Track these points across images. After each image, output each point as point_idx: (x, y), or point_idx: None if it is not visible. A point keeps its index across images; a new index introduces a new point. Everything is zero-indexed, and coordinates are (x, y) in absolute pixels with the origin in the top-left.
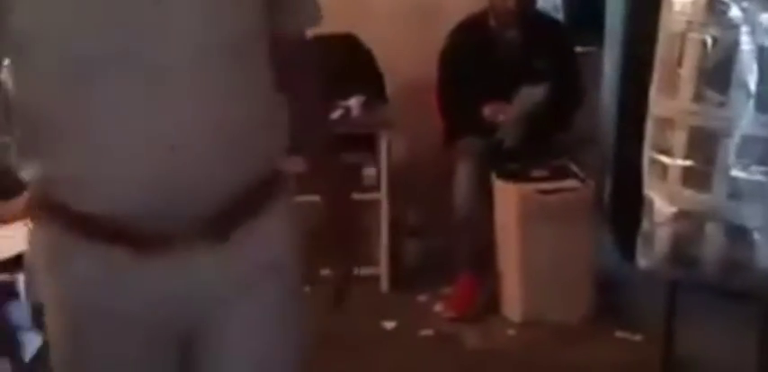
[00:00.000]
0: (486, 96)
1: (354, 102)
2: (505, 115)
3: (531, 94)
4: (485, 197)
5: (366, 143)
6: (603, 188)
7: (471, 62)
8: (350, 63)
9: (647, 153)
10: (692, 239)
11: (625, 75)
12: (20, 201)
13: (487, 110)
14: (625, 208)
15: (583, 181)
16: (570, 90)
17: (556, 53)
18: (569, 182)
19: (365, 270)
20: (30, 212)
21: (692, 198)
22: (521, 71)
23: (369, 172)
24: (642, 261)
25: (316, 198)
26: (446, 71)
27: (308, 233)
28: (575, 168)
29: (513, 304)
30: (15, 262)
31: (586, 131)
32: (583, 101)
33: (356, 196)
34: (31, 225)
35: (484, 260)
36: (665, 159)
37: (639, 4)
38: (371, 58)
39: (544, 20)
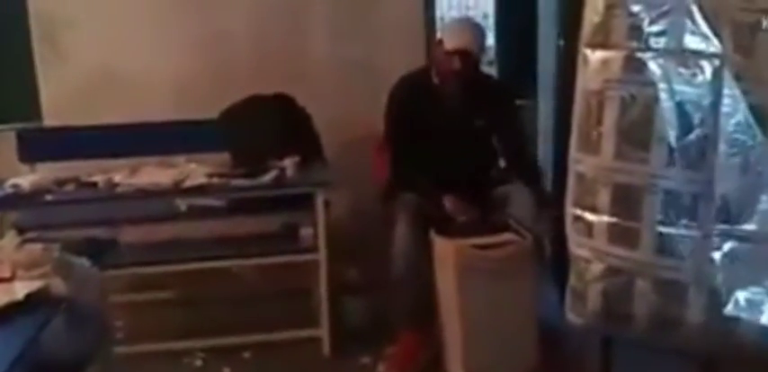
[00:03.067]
0: (429, 153)
1: (289, 162)
2: (466, 216)
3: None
4: (424, 253)
5: (303, 203)
6: (543, 241)
7: (414, 118)
8: (285, 123)
9: (570, 210)
10: (623, 296)
11: (560, 128)
12: None
13: (449, 205)
14: (566, 261)
15: (521, 235)
16: (513, 148)
17: (497, 110)
18: (507, 236)
19: (306, 333)
20: None
21: (620, 254)
22: (463, 128)
23: (306, 232)
24: (574, 318)
25: None
26: (390, 125)
27: None
28: (513, 222)
29: (456, 360)
30: None
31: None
32: (529, 158)
33: (294, 257)
34: None
35: (425, 317)
36: (589, 216)
37: (570, 59)
38: (307, 118)
39: (485, 77)
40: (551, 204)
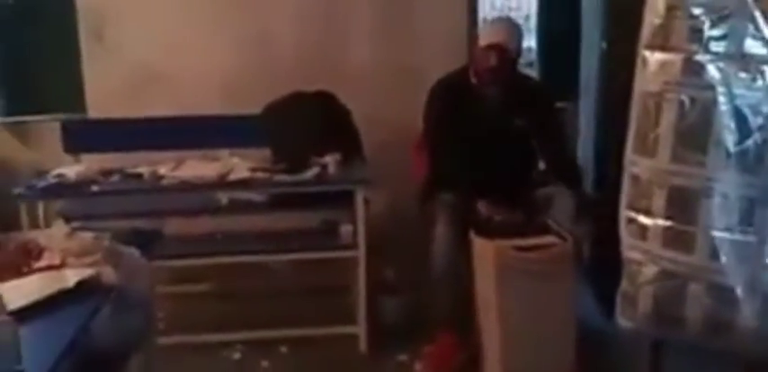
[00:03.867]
0: (468, 153)
1: (330, 160)
2: (500, 216)
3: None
4: (463, 254)
5: (343, 200)
6: (583, 244)
7: (453, 118)
8: (327, 120)
9: (624, 212)
10: (675, 299)
11: (602, 130)
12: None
13: (482, 208)
14: (605, 264)
15: (562, 237)
16: (553, 150)
17: (537, 111)
18: (548, 238)
19: (343, 329)
20: None
21: (674, 258)
22: (502, 128)
23: (346, 229)
24: (623, 321)
25: None
26: (429, 126)
27: None
28: (554, 224)
29: (494, 362)
30: None
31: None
32: (569, 160)
33: (333, 254)
34: None
35: (464, 317)
36: (644, 219)
37: (613, 60)
38: (348, 115)
39: (525, 78)
40: (592, 206)
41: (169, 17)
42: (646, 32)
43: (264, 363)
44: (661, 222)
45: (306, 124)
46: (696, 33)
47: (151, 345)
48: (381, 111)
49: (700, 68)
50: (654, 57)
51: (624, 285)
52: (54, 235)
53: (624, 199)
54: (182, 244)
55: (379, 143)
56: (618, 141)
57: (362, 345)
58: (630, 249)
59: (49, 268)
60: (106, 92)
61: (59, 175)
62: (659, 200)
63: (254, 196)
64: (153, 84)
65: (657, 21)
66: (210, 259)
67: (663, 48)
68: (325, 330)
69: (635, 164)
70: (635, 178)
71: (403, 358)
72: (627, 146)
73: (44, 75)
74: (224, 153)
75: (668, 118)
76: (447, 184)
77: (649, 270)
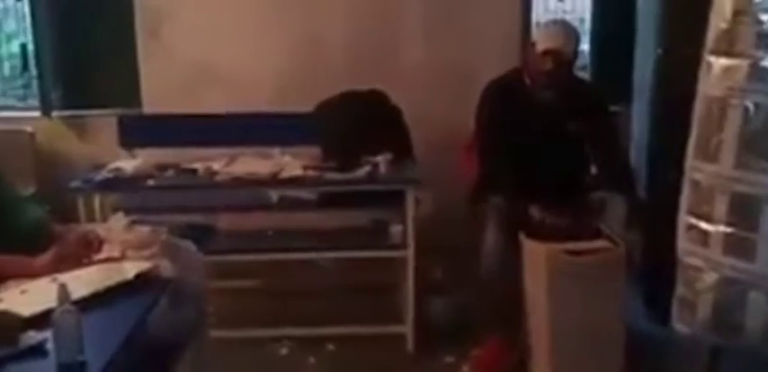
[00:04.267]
0: (520, 156)
1: (382, 159)
2: (553, 220)
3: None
4: (513, 256)
5: (392, 200)
6: (634, 248)
7: (506, 120)
8: (378, 119)
9: (684, 217)
10: (736, 307)
11: (655, 134)
12: (46, 257)
13: (535, 212)
14: (656, 270)
15: (613, 242)
16: (607, 155)
17: (591, 115)
18: (600, 243)
19: (390, 329)
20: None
21: (735, 265)
22: (555, 131)
23: (395, 229)
24: (681, 327)
25: None
26: (481, 128)
27: None
28: (605, 228)
29: (542, 366)
30: (42, 319)
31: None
32: (623, 165)
33: (382, 253)
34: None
35: (512, 320)
36: (704, 225)
37: (669, 64)
38: (399, 115)
39: (579, 81)
40: (644, 211)
41: (223, 15)
42: (711, 37)
43: (311, 360)
44: (722, 228)
45: (357, 123)
46: (763, 39)
47: (204, 339)
48: (431, 111)
49: (766, 74)
50: (718, 63)
51: (681, 291)
52: (113, 228)
53: (684, 204)
54: (232, 240)
55: (429, 142)
56: (673, 145)
57: (409, 345)
58: (689, 255)
59: (109, 260)
60: (161, 88)
61: (116, 169)
62: (721, 207)
63: (305, 194)
64: (207, 80)
65: (723, 26)
66: (261, 255)
67: (728, 54)
68: (373, 329)
69: (696, 170)
70: (696, 183)
71: (450, 359)
72: (688, 151)
73: (102, 70)
74: (274, 151)
75: (732, 123)
76: (498, 187)
77: (710, 277)
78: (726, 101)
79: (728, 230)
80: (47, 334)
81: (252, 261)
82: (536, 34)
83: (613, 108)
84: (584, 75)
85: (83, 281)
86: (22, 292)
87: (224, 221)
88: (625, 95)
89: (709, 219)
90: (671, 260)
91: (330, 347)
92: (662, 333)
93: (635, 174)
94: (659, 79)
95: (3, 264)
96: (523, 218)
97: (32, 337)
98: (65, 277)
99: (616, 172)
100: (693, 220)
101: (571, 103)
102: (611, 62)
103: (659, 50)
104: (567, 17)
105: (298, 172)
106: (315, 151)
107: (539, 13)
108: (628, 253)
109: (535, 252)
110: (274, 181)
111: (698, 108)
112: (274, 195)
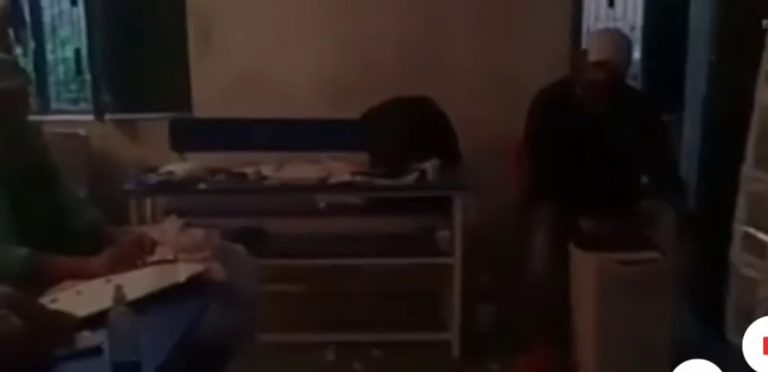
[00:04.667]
0: (570, 165)
1: (430, 166)
2: (602, 233)
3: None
4: (561, 265)
5: (440, 206)
6: (685, 259)
7: (556, 129)
8: (426, 126)
9: (740, 227)
10: None
11: (707, 144)
12: (101, 259)
13: (585, 224)
14: (709, 281)
15: (663, 252)
16: (660, 164)
17: (643, 124)
18: (650, 253)
19: (436, 336)
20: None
21: None
22: (605, 141)
23: (442, 235)
24: (736, 338)
25: None
26: (531, 136)
27: None
28: (656, 238)
29: None
30: (97, 320)
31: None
32: (674, 175)
33: (429, 260)
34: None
35: (559, 328)
36: (762, 236)
37: (722, 73)
38: (447, 121)
39: (630, 90)
40: (695, 222)
41: (275, 20)
42: None
43: (357, 365)
44: None
45: (405, 129)
46: None
47: (254, 343)
48: (479, 117)
49: None
50: None
51: (736, 302)
52: (167, 230)
53: (741, 214)
54: (279, 244)
55: (476, 148)
56: (726, 155)
57: (455, 352)
58: (745, 266)
59: (163, 262)
60: (212, 92)
61: (168, 172)
62: None
63: (352, 199)
64: (257, 85)
65: None
66: (308, 260)
67: None
68: (419, 335)
69: (754, 180)
70: (754, 194)
71: (496, 367)
72: (745, 161)
73: (153, 74)
74: (322, 156)
75: None
76: (547, 196)
77: (767, 289)
78: None
79: None
80: (102, 335)
81: (298, 265)
82: (587, 43)
83: (664, 117)
84: (635, 83)
85: (137, 283)
86: (78, 293)
87: (272, 225)
88: (677, 104)
89: (767, 230)
90: (722, 270)
91: (376, 353)
92: (715, 345)
93: (686, 183)
94: (712, 87)
95: (59, 265)
96: (573, 229)
97: (87, 337)
98: (120, 278)
99: (667, 182)
100: (752, 230)
101: (622, 112)
102: (663, 70)
103: (712, 58)
104: (618, 24)
105: (346, 177)
106: (363, 157)
107: (590, 21)
108: (678, 264)
109: (585, 262)
110: (323, 186)
111: (756, 118)
112: (322, 200)
